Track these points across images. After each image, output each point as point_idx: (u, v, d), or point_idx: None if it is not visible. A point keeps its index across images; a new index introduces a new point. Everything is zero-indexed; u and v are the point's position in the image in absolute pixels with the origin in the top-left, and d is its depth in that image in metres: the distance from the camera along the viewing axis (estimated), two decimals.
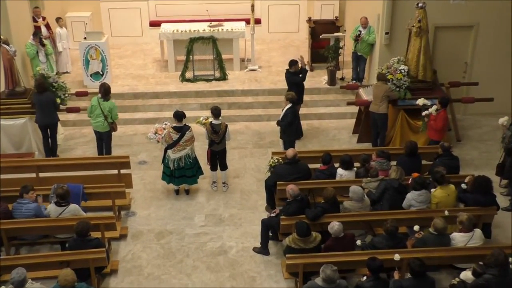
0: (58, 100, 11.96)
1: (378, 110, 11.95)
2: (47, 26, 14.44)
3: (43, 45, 13.30)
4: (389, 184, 9.32)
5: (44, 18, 14.41)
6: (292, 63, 12.38)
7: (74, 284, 7.33)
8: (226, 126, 10.91)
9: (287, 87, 12.44)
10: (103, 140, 11.72)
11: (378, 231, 9.10)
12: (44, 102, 11.58)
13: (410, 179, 9.39)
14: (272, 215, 9.54)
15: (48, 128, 11.88)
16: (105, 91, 11.36)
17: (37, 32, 13.52)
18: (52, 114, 11.77)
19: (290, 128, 11.49)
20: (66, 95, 12.22)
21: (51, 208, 9.11)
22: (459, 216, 8.45)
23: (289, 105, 11.41)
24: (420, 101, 11.68)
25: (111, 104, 11.45)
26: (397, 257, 8.00)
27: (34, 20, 14.17)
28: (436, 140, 11.37)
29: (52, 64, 13.79)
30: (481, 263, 7.61)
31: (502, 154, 10.87)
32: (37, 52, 13.28)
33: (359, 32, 13.67)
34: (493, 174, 10.78)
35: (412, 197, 9.18)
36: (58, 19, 14.69)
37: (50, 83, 11.95)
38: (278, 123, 11.58)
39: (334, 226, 8.39)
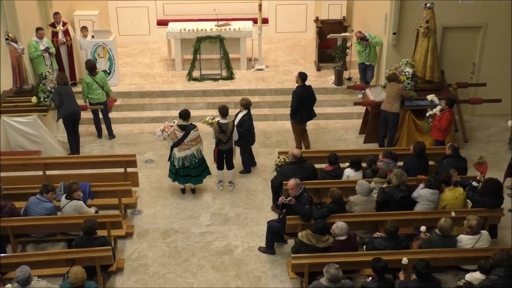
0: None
1: (390, 109, 11.92)
2: (65, 32, 14.03)
3: (50, 53, 13.16)
4: (391, 196, 9.23)
5: (64, 24, 14.06)
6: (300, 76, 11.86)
7: (84, 282, 7.36)
8: (234, 125, 10.91)
9: (295, 86, 12.17)
10: (103, 109, 12.67)
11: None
12: (70, 92, 12.00)
13: (419, 183, 9.36)
14: (287, 200, 9.01)
15: (74, 120, 12.03)
16: (91, 67, 12.42)
17: (39, 28, 13.10)
18: (77, 104, 12.09)
19: (249, 135, 11.39)
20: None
21: (62, 200, 9.20)
22: (468, 220, 8.42)
23: (244, 112, 11.28)
24: (430, 97, 11.63)
25: (101, 74, 12.69)
26: (405, 260, 7.97)
27: (53, 26, 13.89)
28: (439, 140, 11.35)
29: (54, 62, 13.53)
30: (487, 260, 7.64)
31: None
32: (42, 55, 13.06)
33: (364, 36, 13.40)
34: (501, 176, 10.67)
35: (424, 193, 9.15)
36: (82, 29, 14.46)
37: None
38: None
39: (337, 227, 8.37)
